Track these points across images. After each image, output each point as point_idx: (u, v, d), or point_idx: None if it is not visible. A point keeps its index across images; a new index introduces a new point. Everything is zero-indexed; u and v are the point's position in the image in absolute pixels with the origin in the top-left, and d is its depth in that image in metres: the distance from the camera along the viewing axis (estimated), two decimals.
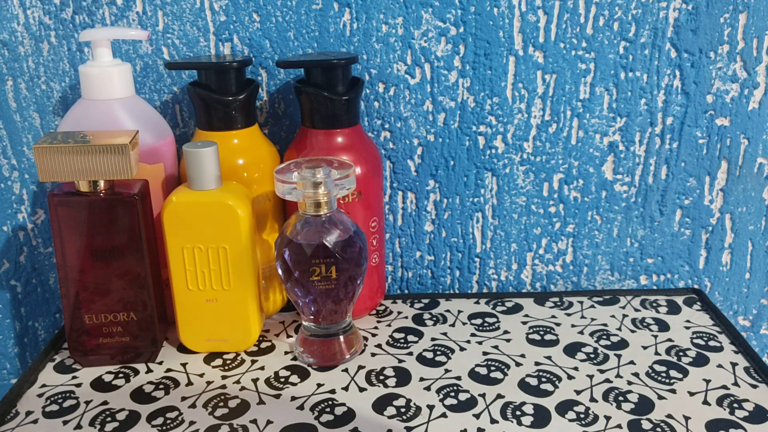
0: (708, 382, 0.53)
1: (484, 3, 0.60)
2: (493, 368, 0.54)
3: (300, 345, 0.56)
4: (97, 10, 0.60)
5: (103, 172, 0.50)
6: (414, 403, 0.50)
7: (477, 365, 0.55)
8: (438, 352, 0.57)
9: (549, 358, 0.56)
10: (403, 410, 0.50)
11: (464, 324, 0.61)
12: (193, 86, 0.57)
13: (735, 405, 0.50)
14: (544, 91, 0.63)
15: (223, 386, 0.53)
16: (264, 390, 0.52)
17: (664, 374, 0.53)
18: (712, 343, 0.58)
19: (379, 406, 0.50)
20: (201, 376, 0.54)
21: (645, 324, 0.61)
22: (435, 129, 0.64)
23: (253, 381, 0.53)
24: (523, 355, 0.56)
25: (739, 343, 0.58)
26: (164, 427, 0.48)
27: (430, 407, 0.50)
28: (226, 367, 0.55)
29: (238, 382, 0.53)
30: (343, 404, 0.50)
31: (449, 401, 0.50)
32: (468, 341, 0.58)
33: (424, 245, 0.68)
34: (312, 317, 0.55)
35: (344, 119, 0.57)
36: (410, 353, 0.57)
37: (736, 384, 0.52)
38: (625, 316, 0.62)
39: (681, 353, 0.56)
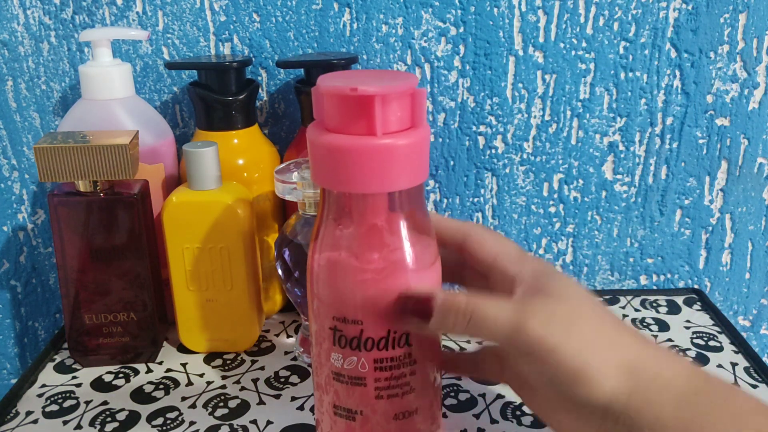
0: None
1: (484, 3, 0.60)
2: None
3: (300, 345, 0.56)
4: (97, 10, 0.60)
5: (103, 172, 0.50)
6: None
7: None
8: None
9: None
10: None
11: None
12: (193, 86, 0.57)
13: None
14: (544, 91, 0.63)
15: (223, 386, 0.53)
16: (264, 390, 0.52)
17: None
18: (712, 343, 0.58)
19: None
20: (201, 376, 0.54)
21: (645, 324, 0.61)
22: (435, 129, 0.64)
23: (253, 381, 0.53)
24: None
25: (739, 343, 0.57)
26: (164, 428, 0.48)
27: None
28: (226, 367, 0.55)
29: (238, 382, 0.53)
30: None
31: (449, 401, 0.50)
32: (468, 341, 0.58)
33: None
34: None
35: None
36: None
37: (736, 384, 0.52)
38: (625, 316, 0.62)
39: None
